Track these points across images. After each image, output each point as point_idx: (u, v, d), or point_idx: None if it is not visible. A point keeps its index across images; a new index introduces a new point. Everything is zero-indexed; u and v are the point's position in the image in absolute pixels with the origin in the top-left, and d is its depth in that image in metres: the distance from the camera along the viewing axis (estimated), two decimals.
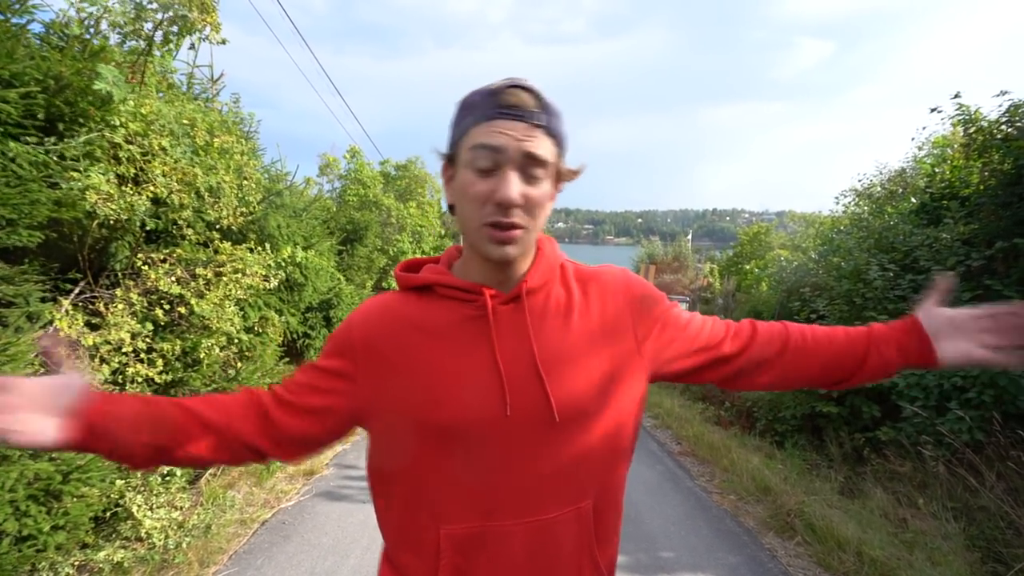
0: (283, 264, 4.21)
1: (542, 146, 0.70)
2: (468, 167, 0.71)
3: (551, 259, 0.82)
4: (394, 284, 0.94)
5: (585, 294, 0.82)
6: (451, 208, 0.79)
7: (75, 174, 2.33)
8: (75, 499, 2.14)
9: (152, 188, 2.75)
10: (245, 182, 3.74)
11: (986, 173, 4.89)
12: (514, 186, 0.69)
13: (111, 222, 2.61)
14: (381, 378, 0.76)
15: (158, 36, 3.13)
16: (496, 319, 0.76)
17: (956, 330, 0.79)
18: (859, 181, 9.82)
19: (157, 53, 3.25)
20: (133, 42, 3.13)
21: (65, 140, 2.36)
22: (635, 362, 0.80)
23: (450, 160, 0.76)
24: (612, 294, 0.82)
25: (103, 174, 2.45)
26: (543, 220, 0.75)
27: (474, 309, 0.77)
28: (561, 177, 0.77)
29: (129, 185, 2.67)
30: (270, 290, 3.91)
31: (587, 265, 0.88)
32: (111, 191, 2.46)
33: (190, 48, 3.49)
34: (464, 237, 0.78)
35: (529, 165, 0.70)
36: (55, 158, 2.32)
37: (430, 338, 0.76)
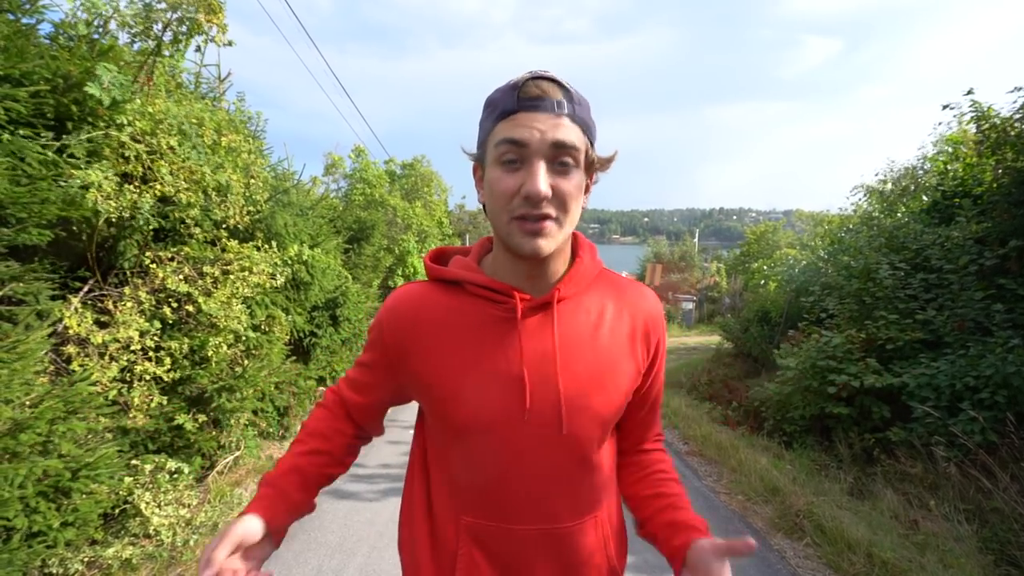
0: (290, 262, 4.23)
1: (569, 133, 0.69)
2: (495, 163, 0.70)
3: (588, 269, 0.80)
4: (399, 283, 0.95)
5: (619, 309, 0.81)
6: (484, 208, 0.78)
7: (76, 172, 2.33)
8: (84, 496, 2.16)
9: (159, 187, 2.76)
10: (252, 181, 3.76)
11: (1000, 171, 4.83)
12: (542, 178, 0.67)
13: (114, 220, 2.62)
14: (409, 371, 0.80)
15: (167, 36, 3.15)
16: (524, 325, 0.75)
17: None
18: (875, 175, 9.74)
19: (166, 53, 3.27)
20: (142, 43, 3.15)
21: (66, 138, 2.36)
22: (634, 383, 0.81)
23: (479, 160, 0.76)
24: (644, 316, 0.82)
25: (103, 172, 2.44)
26: (576, 213, 0.73)
27: (503, 311, 0.75)
28: (593, 166, 0.75)
29: (135, 183, 2.68)
30: (277, 289, 3.93)
31: (626, 278, 0.87)
32: (110, 189, 2.46)
33: (196, 50, 3.50)
34: (496, 234, 0.77)
35: (558, 155, 0.68)
36: (66, 156, 2.34)
37: (456, 336, 0.76)
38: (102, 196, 2.43)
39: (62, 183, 2.29)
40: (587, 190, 0.76)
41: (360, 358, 0.89)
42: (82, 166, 2.38)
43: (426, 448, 0.85)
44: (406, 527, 0.86)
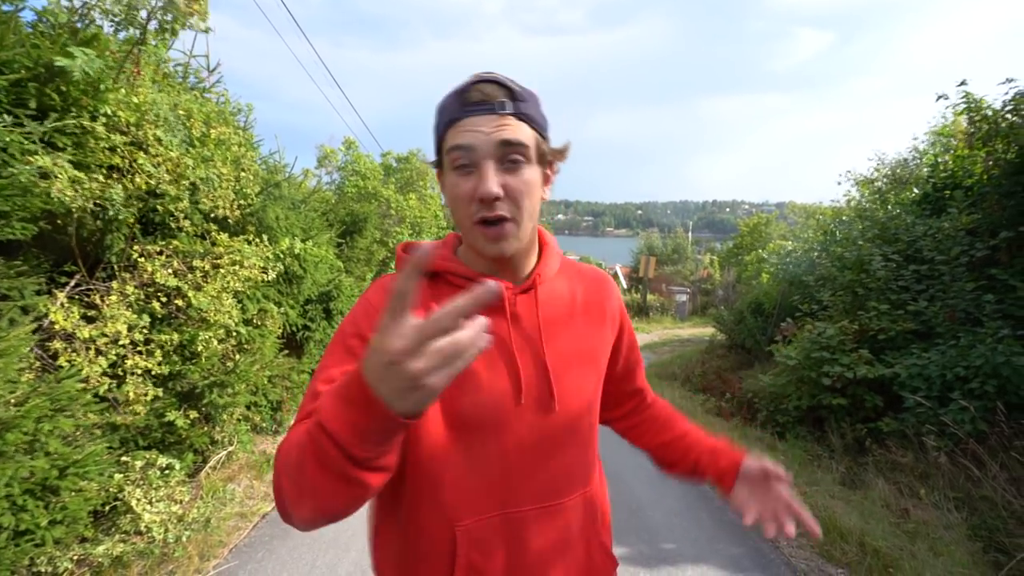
0: (281, 256, 4.18)
1: (515, 132, 0.70)
2: (450, 170, 0.72)
3: (557, 252, 0.86)
4: None
5: (585, 290, 0.86)
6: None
7: (32, 158, 2.16)
8: (73, 493, 2.13)
9: (139, 179, 2.69)
10: (243, 173, 3.70)
11: (990, 162, 4.84)
12: (491, 180, 0.69)
13: (74, 210, 2.35)
14: None
15: (152, 25, 3.07)
16: (510, 311, 0.77)
17: (752, 489, 0.88)
18: (866, 165, 9.77)
19: (152, 42, 3.20)
20: (126, 32, 3.07)
21: (19, 125, 2.18)
22: (607, 356, 0.88)
23: (438, 166, 0.77)
24: (605, 293, 0.89)
25: (58, 159, 2.25)
26: (534, 206, 0.74)
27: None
28: (547, 158, 0.77)
29: (115, 176, 2.62)
30: (269, 282, 3.88)
31: (582, 263, 0.94)
32: (65, 177, 2.23)
33: (171, 34, 3.33)
34: (463, 237, 0.79)
35: (506, 153, 0.70)
36: (40, 145, 2.22)
37: None
38: (58, 185, 2.24)
39: (13, 169, 2.06)
40: (547, 181, 0.78)
41: (329, 363, 0.71)
42: (39, 151, 2.20)
43: (403, 466, 0.73)
44: (383, 548, 0.80)
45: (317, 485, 0.54)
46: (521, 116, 0.71)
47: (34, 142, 2.24)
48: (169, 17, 3.09)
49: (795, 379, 4.99)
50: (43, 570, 2.09)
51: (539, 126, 0.74)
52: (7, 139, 2.09)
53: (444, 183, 0.75)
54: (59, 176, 2.25)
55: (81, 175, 2.41)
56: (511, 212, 0.71)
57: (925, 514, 3.21)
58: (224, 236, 3.38)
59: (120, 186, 2.60)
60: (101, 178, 2.51)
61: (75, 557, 2.21)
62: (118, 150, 2.59)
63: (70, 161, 2.35)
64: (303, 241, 4.59)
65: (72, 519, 2.12)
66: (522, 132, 0.71)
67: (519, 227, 0.72)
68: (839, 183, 10.34)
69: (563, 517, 0.78)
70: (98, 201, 2.52)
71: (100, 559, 2.30)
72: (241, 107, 4.66)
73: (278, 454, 0.63)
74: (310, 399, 0.69)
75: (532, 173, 0.73)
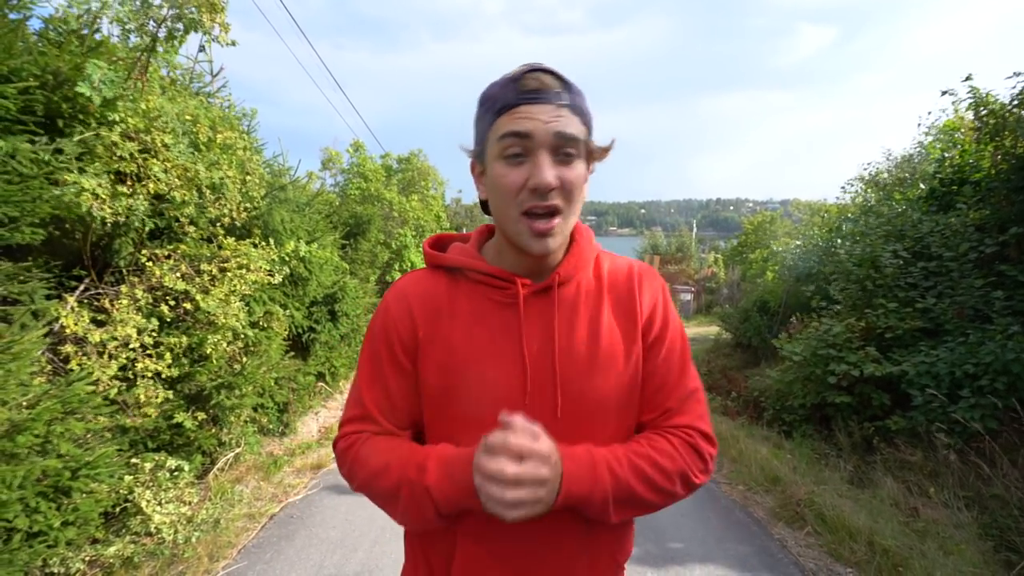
0: (287, 259, 4.20)
1: (571, 124, 0.69)
2: (498, 158, 0.70)
3: (585, 250, 0.80)
4: (397, 277, 0.93)
5: (617, 290, 0.80)
6: (483, 204, 0.78)
7: (68, 176, 2.29)
8: (84, 495, 2.15)
9: (151, 185, 2.73)
10: (248, 178, 3.72)
11: (998, 157, 4.80)
12: (548, 169, 0.67)
13: (109, 223, 2.58)
14: (418, 356, 0.78)
15: (162, 32, 3.11)
16: (525, 310, 0.75)
17: None
18: (865, 169, 9.72)
19: (160, 49, 3.23)
20: (136, 38, 3.11)
21: (60, 140, 2.32)
22: (635, 361, 0.78)
23: (478, 156, 0.75)
24: (637, 291, 0.80)
25: (97, 176, 2.41)
26: (580, 203, 0.73)
27: (505, 297, 0.76)
28: (592, 156, 0.75)
29: (128, 183, 2.65)
30: (274, 285, 3.90)
31: (625, 258, 0.86)
32: (104, 194, 2.42)
33: (200, 51, 3.50)
34: (502, 230, 0.76)
35: (561, 146, 0.68)
36: (58, 159, 2.30)
37: (459, 323, 0.76)
38: (97, 202, 2.41)
39: (57, 191, 2.24)
40: (586, 179, 0.76)
41: (369, 378, 0.80)
42: (74, 170, 2.34)
43: None
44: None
45: (399, 514, 0.74)
46: (575, 109, 0.70)
47: (75, 158, 2.34)
48: (180, 26, 3.13)
49: (801, 377, 4.96)
50: (56, 571, 2.11)
51: (589, 122, 0.73)
52: (46, 157, 2.18)
53: (487, 172, 0.73)
54: (97, 194, 2.37)
55: (123, 189, 2.56)
56: (563, 206, 0.70)
57: (935, 513, 3.18)
58: (231, 240, 3.41)
59: (143, 195, 2.66)
60: (126, 190, 2.58)
61: (87, 558, 2.23)
62: (126, 157, 2.62)
63: (80, 169, 2.38)
64: (308, 243, 4.61)
65: (84, 520, 2.14)
66: (575, 125, 0.69)
67: (566, 222, 0.71)
68: (844, 189, 10.28)
69: (562, 522, 0.73)
70: (125, 214, 2.58)
71: (111, 560, 2.32)
72: (246, 111, 4.70)
73: (345, 452, 0.79)
74: (357, 406, 0.81)
75: (582, 169, 0.71)
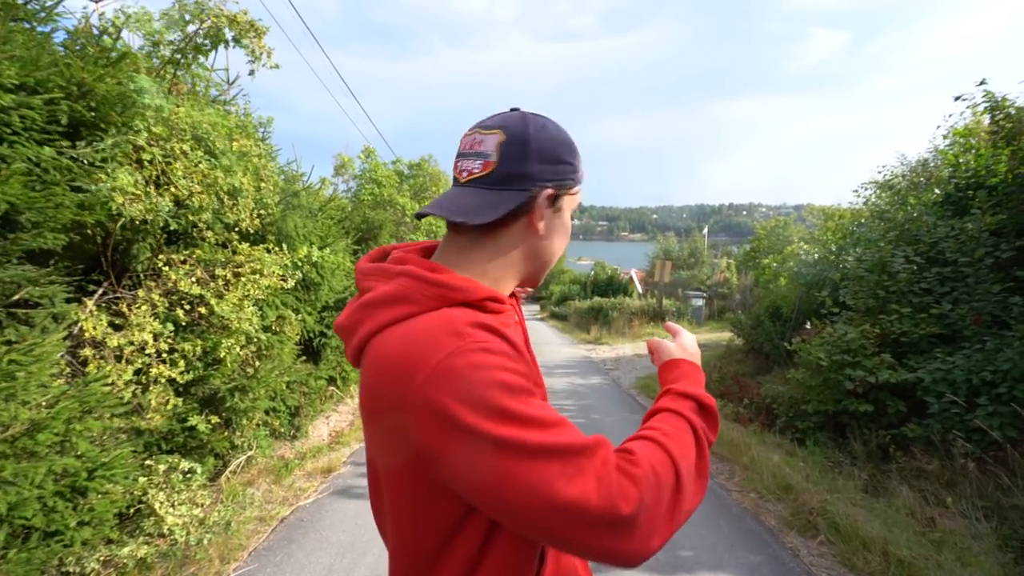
0: (300, 264, 4.26)
1: None
2: (570, 213, 0.76)
3: None
4: None
5: None
6: (530, 239, 0.74)
7: (103, 176, 2.39)
8: (100, 496, 2.19)
9: (173, 190, 2.80)
10: (263, 184, 3.79)
11: (1014, 161, 4.72)
12: None
13: (136, 223, 2.67)
14: None
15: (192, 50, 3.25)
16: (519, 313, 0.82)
17: None
18: (879, 173, 9.60)
19: (180, 58, 3.33)
20: (163, 51, 3.25)
21: (92, 144, 2.42)
22: None
23: (558, 188, 0.71)
24: None
25: (131, 175, 2.52)
26: None
27: (510, 319, 0.75)
28: None
29: (151, 186, 2.73)
30: (287, 290, 3.96)
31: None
32: (136, 192, 2.54)
33: (249, 75, 3.79)
34: (539, 262, 0.75)
35: None
36: (85, 163, 2.38)
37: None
38: (128, 200, 2.52)
39: (89, 188, 2.36)
40: None
41: (537, 410, 0.58)
42: (108, 171, 2.46)
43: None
44: None
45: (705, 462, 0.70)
46: None
47: (104, 162, 2.47)
48: (207, 43, 3.30)
49: (818, 383, 4.88)
50: (71, 570, 2.15)
51: None
52: (79, 162, 2.33)
53: (561, 215, 0.73)
54: (126, 191, 2.51)
55: (151, 191, 2.69)
56: None
57: (952, 523, 3.12)
58: (245, 245, 3.47)
59: (167, 197, 2.75)
60: (152, 190, 2.67)
61: (101, 558, 2.27)
62: (148, 163, 2.70)
63: (113, 167, 2.49)
64: (320, 248, 4.67)
65: (99, 521, 2.18)
66: None
67: None
68: (857, 193, 10.15)
69: None
70: (152, 213, 2.67)
71: (125, 560, 2.36)
72: (263, 119, 4.79)
73: (644, 479, 0.62)
74: (574, 433, 0.59)
75: None
